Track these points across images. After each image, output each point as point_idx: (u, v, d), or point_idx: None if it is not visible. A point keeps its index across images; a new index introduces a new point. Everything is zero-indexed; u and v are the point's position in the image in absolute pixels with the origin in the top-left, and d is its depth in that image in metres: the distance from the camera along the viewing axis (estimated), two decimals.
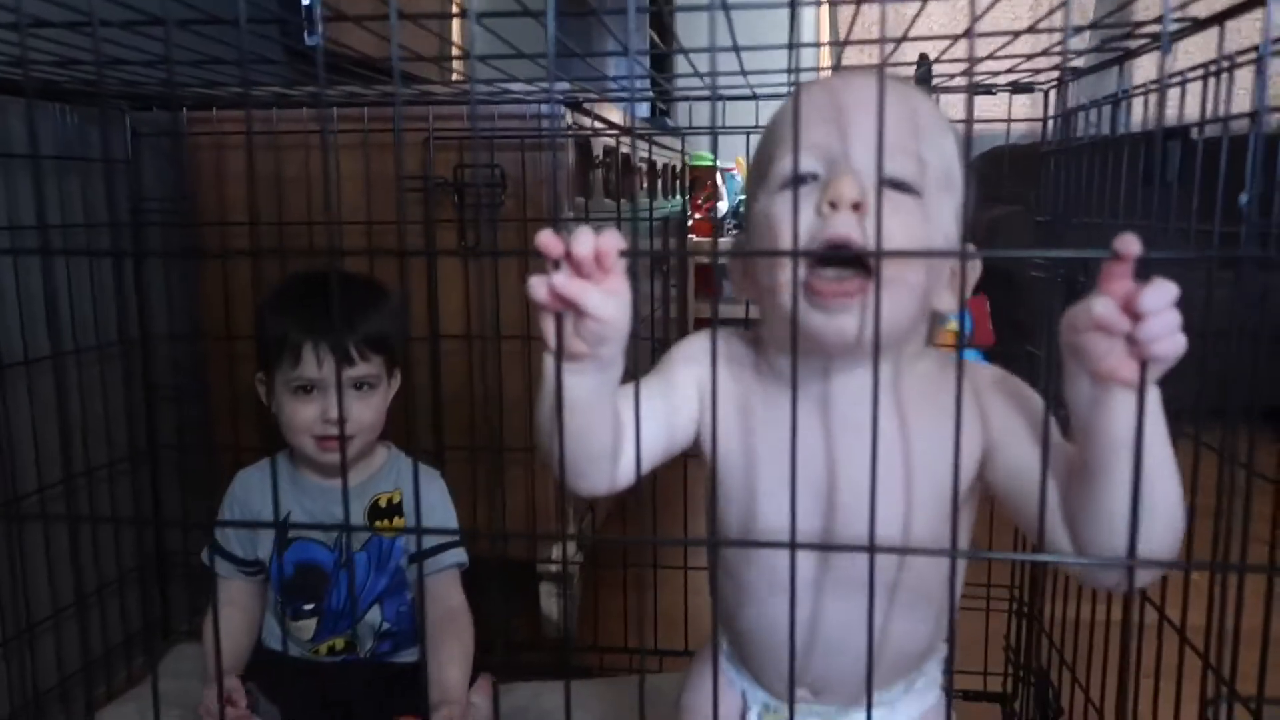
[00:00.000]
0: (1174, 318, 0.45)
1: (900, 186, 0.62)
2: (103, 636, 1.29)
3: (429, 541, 1.16)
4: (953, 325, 0.74)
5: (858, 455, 0.57)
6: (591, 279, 0.52)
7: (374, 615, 1.18)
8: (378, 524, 1.18)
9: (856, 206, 0.59)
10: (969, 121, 0.50)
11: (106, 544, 1.31)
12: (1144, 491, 0.48)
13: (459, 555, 1.19)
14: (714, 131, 0.57)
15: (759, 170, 0.69)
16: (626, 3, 0.53)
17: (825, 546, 0.63)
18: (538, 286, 0.52)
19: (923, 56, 1.35)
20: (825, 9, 3.43)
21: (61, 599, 1.20)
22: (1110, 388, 0.49)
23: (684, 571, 1.40)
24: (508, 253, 1.17)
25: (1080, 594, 1.01)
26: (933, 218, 0.63)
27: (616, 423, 0.62)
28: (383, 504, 1.18)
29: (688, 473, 1.31)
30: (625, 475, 0.65)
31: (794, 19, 0.50)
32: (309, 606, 1.16)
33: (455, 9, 1.39)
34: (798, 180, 0.61)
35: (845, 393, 0.65)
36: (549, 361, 0.55)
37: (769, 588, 0.70)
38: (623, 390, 0.61)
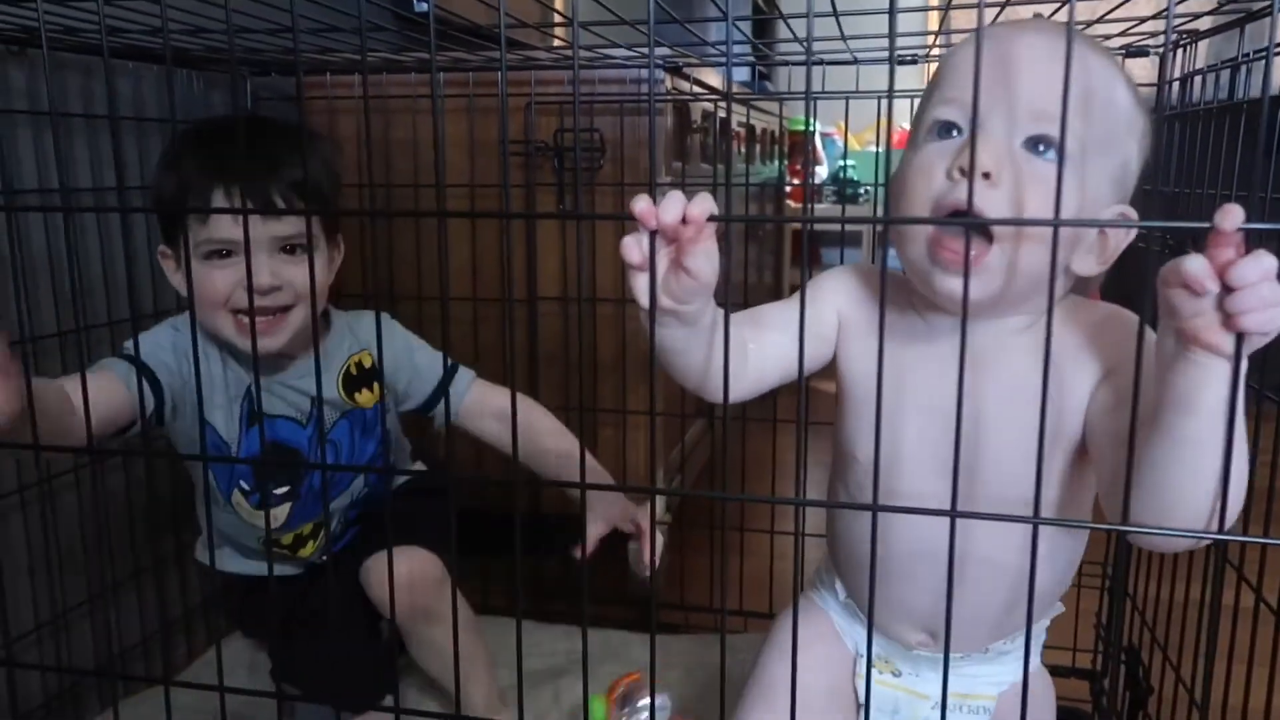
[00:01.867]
0: (1271, 291, 0.44)
1: (1047, 148, 0.60)
2: (182, 597, 1.35)
3: (434, 378, 1.07)
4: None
5: (990, 395, 0.64)
6: (682, 241, 0.54)
7: (357, 483, 1.08)
8: (356, 395, 1.05)
9: (987, 175, 0.59)
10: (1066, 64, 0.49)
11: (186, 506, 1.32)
12: (1195, 456, 0.49)
13: (465, 371, 1.09)
14: (809, 97, 0.57)
15: (918, 114, 0.69)
16: None
17: (902, 509, 0.63)
18: (630, 247, 0.54)
19: (1036, 16, 1.31)
20: None
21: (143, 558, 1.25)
22: (1191, 349, 0.48)
23: (770, 536, 1.42)
24: (604, 215, 1.19)
25: (1174, 573, 0.99)
26: (1080, 183, 0.62)
27: (708, 359, 0.64)
28: (354, 371, 1.06)
29: (776, 439, 1.33)
30: (749, 390, 0.70)
31: None
32: (282, 490, 1.04)
33: None
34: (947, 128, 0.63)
35: (981, 339, 0.65)
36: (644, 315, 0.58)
37: (905, 520, 0.67)
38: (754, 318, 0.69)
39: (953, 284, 0.61)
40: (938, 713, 0.74)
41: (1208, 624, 0.63)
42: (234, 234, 0.89)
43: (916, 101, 0.69)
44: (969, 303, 0.56)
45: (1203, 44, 1.05)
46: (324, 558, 1.09)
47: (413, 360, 1.08)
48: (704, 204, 0.52)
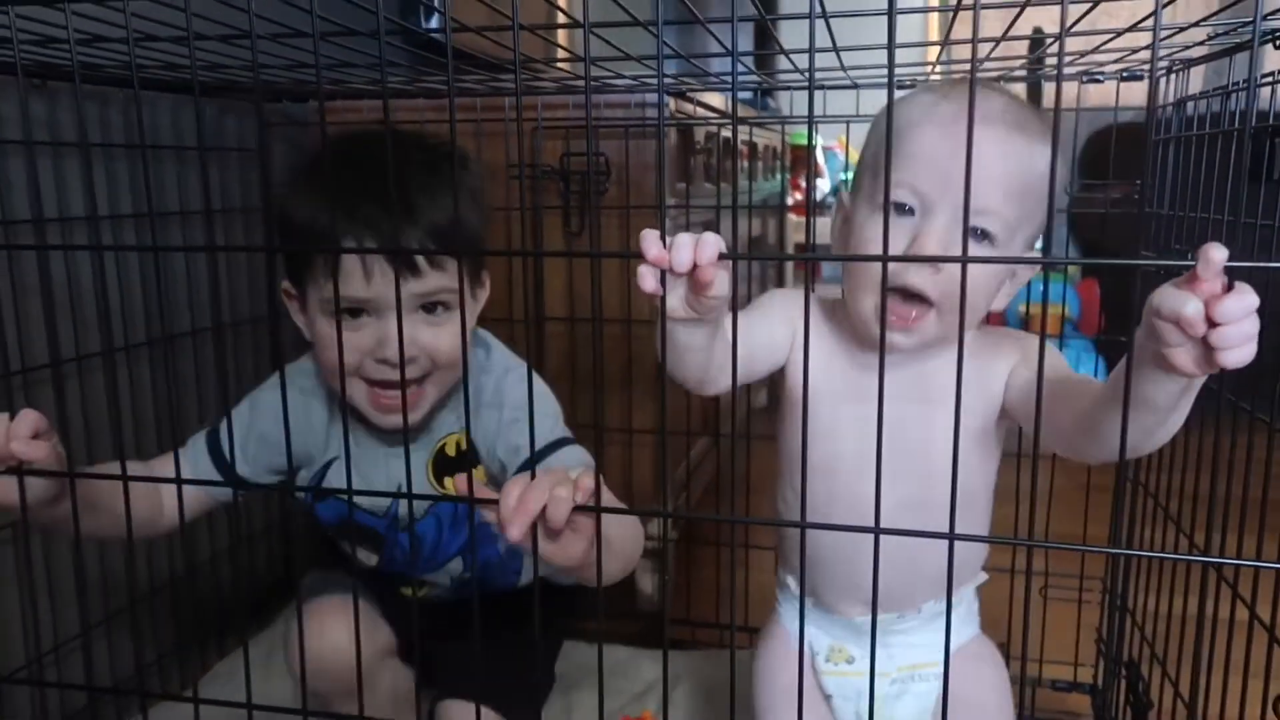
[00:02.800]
0: (1248, 327, 0.46)
1: (984, 236, 0.72)
2: (252, 583, 1.39)
3: (538, 446, 0.85)
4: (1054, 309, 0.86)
5: (920, 396, 0.76)
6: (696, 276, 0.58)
7: (455, 565, 0.98)
8: (447, 481, 0.91)
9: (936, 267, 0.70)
10: (1055, 110, 0.52)
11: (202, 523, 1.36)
12: (1148, 424, 0.58)
13: (578, 453, 0.87)
14: (812, 120, 0.60)
15: (864, 166, 0.78)
16: (730, 9, 0.57)
17: (831, 525, 0.66)
18: (645, 277, 0.57)
19: (1036, 30, 1.34)
20: None
21: (184, 561, 1.30)
22: (1167, 369, 0.52)
23: (775, 552, 1.43)
24: (619, 254, 1.20)
25: (1172, 588, 1.01)
26: (1007, 253, 0.73)
27: (708, 360, 0.71)
28: (450, 452, 0.91)
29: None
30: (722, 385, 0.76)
31: (892, 23, 0.52)
32: (369, 557, 0.98)
33: (561, 17, 1.43)
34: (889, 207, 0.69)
35: (914, 360, 0.78)
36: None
37: (846, 513, 0.76)
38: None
39: (894, 334, 0.73)
40: (895, 687, 0.85)
41: (1196, 639, 0.65)
42: (365, 293, 0.78)
43: None
44: (906, 349, 0.75)
45: (1196, 70, 1.07)
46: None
47: (521, 429, 0.87)
48: (711, 248, 0.55)
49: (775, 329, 0.81)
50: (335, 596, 0.92)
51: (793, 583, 0.91)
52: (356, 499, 0.90)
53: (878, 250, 0.68)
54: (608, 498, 0.81)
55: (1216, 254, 0.46)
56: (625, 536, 0.79)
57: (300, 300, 0.85)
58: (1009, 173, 0.70)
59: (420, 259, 0.78)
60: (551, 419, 0.90)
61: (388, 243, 0.76)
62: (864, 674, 0.84)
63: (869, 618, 0.80)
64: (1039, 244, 0.78)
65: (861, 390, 0.78)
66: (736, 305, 0.65)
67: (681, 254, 0.55)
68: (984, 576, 0.90)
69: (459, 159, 0.88)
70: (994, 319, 0.86)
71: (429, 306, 0.81)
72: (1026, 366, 0.76)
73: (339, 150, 0.82)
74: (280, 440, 0.81)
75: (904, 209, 0.72)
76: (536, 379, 0.92)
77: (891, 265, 0.69)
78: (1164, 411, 0.58)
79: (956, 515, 0.55)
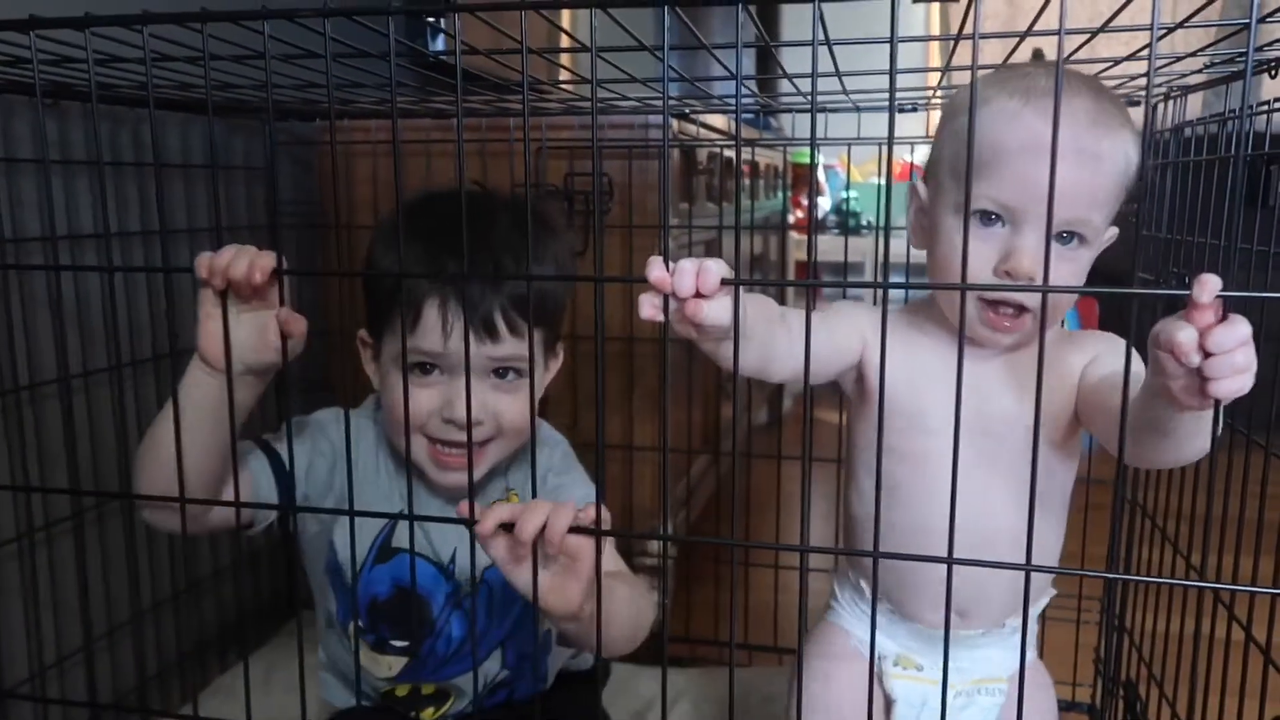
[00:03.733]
0: (1242, 358, 0.47)
1: (1080, 241, 0.72)
2: (254, 599, 1.39)
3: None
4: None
5: (1008, 391, 0.77)
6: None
7: (491, 664, 0.92)
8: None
9: (1031, 277, 0.70)
10: (1054, 135, 0.53)
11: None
12: (1178, 448, 0.61)
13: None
14: (815, 143, 0.61)
15: (942, 161, 0.76)
16: (734, 35, 0.58)
17: (907, 556, 0.67)
18: (645, 305, 0.57)
19: (1036, 52, 1.35)
20: (935, 10, 3.39)
21: (186, 578, 1.30)
22: (1172, 402, 0.53)
23: (775, 570, 1.44)
24: (625, 279, 1.20)
25: (1170, 608, 1.02)
26: (1094, 253, 0.74)
27: (770, 352, 0.69)
28: None
29: (781, 474, 1.35)
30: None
31: (894, 51, 0.53)
32: (400, 644, 0.90)
33: (565, 41, 1.45)
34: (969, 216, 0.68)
35: (980, 360, 0.78)
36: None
37: (936, 500, 0.74)
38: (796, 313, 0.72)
39: (992, 336, 0.75)
40: (960, 700, 0.83)
41: (1193, 659, 0.65)
42: (440, 349, 0.78)
43: (916, 147, 0.75)
44: (1000, 348, 0.77)
45: (1195, 96, 1.08)
46: None
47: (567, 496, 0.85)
48: (713, 276, 0.56)
49: (847, 333, 0.79)
50: None
51: (866, 586, 0.87)
52: (426, 560, 0.88)
53: (970, 260, 0.70)
54: (614, 557, 0.83)
55: (1211, 283, 0.47)
56: (629, 600, 0.77)
57: (375, 350, 0.85)
58: (1096, 177, 0.70)
59: (500, 324, 0.78)
60: (586, 489, 0.91)
61: (472, 306, 0.77)
62: (935, 682, 0.82)
63: (954, 633, 0.80)
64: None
65: (949, 382, 0.78)
66: (738, 329, 0.63)
67: (684, 280, 0.55)
68: (1052, 592, 0.89)
69: (550, 226, 0.88)
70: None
71: (501, 371, 0.81)
72: (1101, 363, 0.76)
73: (429, 208, 0.82)
74: (332, 482, 0.83)
75: (990, 218, 0.71)
76: (573, 456, 0.94)
77: (989, 268, 0.71)
78: (1183, 438, 0.59)
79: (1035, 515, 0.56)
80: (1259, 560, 0.81)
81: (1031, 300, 0.72)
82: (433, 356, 0.79)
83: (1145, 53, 0.73)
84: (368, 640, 0.89)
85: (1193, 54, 0.78)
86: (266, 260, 0.64)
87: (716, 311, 0.58)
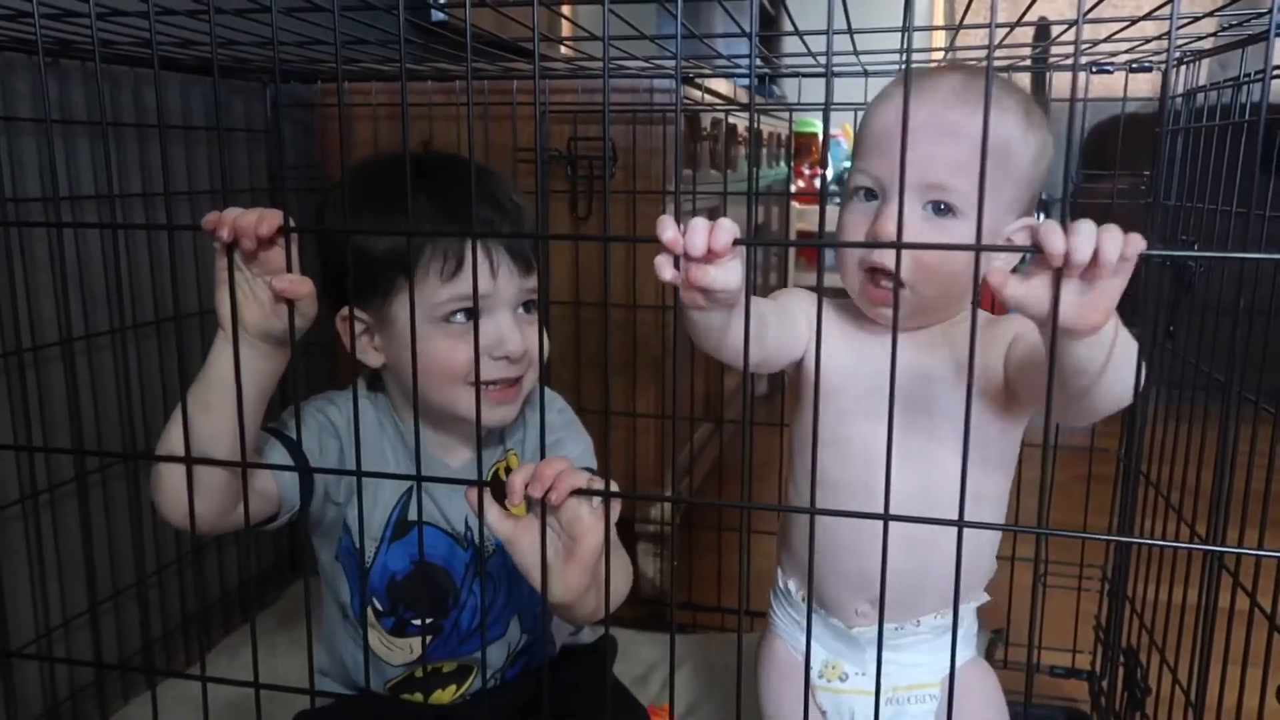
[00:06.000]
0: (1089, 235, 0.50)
1: (945, 211, 0.73)
2: (257, 562, 1.40)
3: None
4: None
5: (935, 368, 0.78)
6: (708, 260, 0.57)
7: (513, 631, 0.93)
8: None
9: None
10: (1067, 100, 0.52)
11: None
12: (1098, 383, 0.61)
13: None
14: (826, 108, 0.60)
15: (853, 160, 0.79)
16: None
17: (838, 511, 0.66)
18: (663, 267, 0.57)
19: (1042, 19, 1.33)
20: None
21: (191, 540, 1.30)
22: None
23: (777, 537, 1.44)
24: (637, 238, 1.20)
25: (1172, 577, 1.02)
26: (982, 231, 0.71)
27: (722, 339, 0.71)
28: (504, 475, 0.84)
29: (783, 441, 1.35)
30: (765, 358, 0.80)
31: (909, 10, 0.53)
32: (421, 623, 0.89)
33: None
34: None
35: (913, 340, 0.80)
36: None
37: (854, 490, 0.79)
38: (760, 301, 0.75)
39: (874, 309, 0.79)
40: (891, 708, 0.83)
41: (1203, 629, 0.65)
42: (488, 289, 0.79)
43: None
44: (886, 319, 0.75)
45: (1206, 61, 1.07)
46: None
47: (565, 449, 0.88)
48: (725, 233, 0.55)
49: (794, 322, 0.81)
50: None
51: (794, 586, 0.90)
52: (441, 531, 0.88)
53: (848, 234, 0.78)
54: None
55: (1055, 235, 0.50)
56: (622, 570, 0.78)
57: (369, 325, 0.83)
58: (956, 151, 0.72)
59: (530, 256, 0.82)
60: (583, 445, 0.92)
61: (505, 244, 0.80)
62: (857, 692, 0.85)
63: (866, 628, 0.82)
64: (1041, 215, 0.78)
65: (874, 374, 0.79)
66: (750, 290, 0.64)
67: (696, 238, 0.55)
68: (985, 597, 0.88)
69: (489, 174, 0.88)
70: (998, 309, 0.87)
71: (527, 305, 0.84)
72: (1021, 340, 0.76)
73: (391, 171, 0.79)
74: (343, 464, 0.82)
75: (869, 194, 0.76)
76: (571, 412, 0.95)
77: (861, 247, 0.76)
78: (1098, 374, 0.59)
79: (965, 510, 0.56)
80: (1265, 530, 0.81)
81: (905, 271, 0.73)
82: (482, 297, 0.79)
83: (1159, 13, 0.72)
84: (385, 625, 0.88)
85: (1210, 14, 0.77)
86: (274, 216, 0.63)
87: (726, 275, 0.58)
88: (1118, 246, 0.49)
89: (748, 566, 0.62)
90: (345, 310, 0.82)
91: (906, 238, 0.72)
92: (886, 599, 0.63)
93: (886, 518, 0.58)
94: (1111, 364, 0.59)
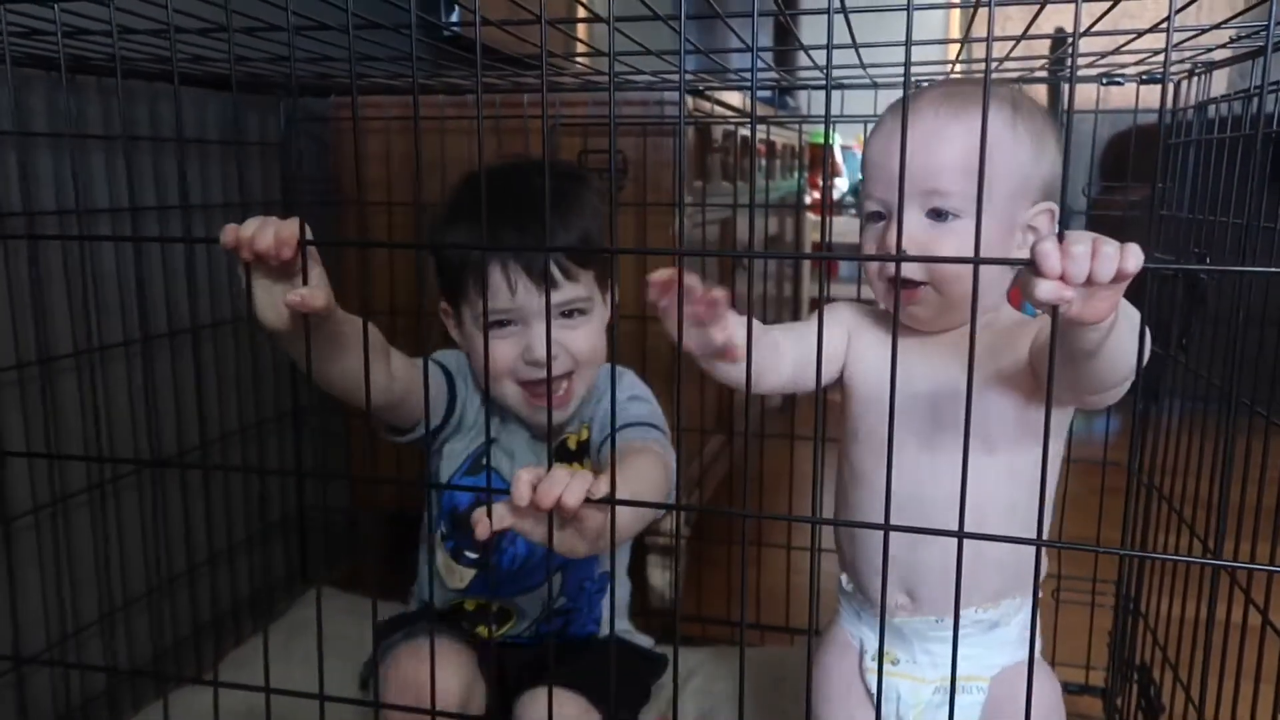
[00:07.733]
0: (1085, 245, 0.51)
1: (944, 216, 0.76)
2: (262, 576, 1.40)
3: (621, 421, 0.95)
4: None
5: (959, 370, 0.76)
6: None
7: (554, 586, 1.03)
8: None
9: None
10: (1072, 111, 0.52)
11: (238, 499, 1.42)
12: (1102, 364, 0.63)
13: (655, 435, 0.95)
14: (829, 120, 0.61)
15: (861, 189, 0.84)
16: (750, 5, 0.57)
17: (913, 529, 0.66)
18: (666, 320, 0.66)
19: (1058, 30, 1.33)
20: None
21: (204, 551, 1.32)
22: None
23: (787, 551, 1.44)
24: (645, 251, 1.24)
25: (1185, 591, 1.01)
26: (990, 229, 0.75)
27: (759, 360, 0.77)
28: (571, 445, 1.02)
29: (794, 454, 1.35)
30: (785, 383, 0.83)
31: (910, 22, 0.53)
32: (473, 555, 1.01)
33: (581, 11, 1.44)
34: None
35: (941, 343, 0.82)
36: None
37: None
38: (783, 328, 0.82)
39: (908, 311, 0.80)
40: (938, 696, 0.83)
41: (1207, 642, 0.65)
42: (510, 305, 0.91)
43: None
44: (917, 325, 0.81)
45: (1219, 72, 1.07)
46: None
47: (626, 416, 0.97)
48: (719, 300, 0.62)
49: (830, 339, 0.83)
50: (441, 639, 0.93)
51: (845, 579, 0.90)
52: (504, 479, 0.99)
53: (870, 252, 0.83)
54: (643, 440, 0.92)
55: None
56: (654, 482, 0.85)
57: (456, 318, 0.98)
58: (948, 152, 0.74)
59: (556, 272, 0.92)
60: (649, 407, 1.01)
61: (527, 260, 0.91)
62: (906, 677, 0.84)
63: (907, 619, 0.83)
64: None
65: (905, 380, 0.80)
66: (751, 315, 0.66)
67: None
68: (1027, 603, 0.85)
69: (581, 178, 1.00)
70: (1015, 299, 0.88)
71: (567, 313, 0.95)
72: (1041, 334, 0.77)
73: (475, 185, 0.94)
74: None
75: (878, 216, 0.80)
76: (641, 385, 1.04)
77: (879, 264, 0.80)
78: (1101, 352, 0.61)
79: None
80: (1276, 544, 0.81)
81: (922, 274, 0.77)
82: (505, 312, 0.92)
83: (1166, 25, 0.72)
84: (447, 547, 1.02)
85: (1216, 26, 0.77)
86: (290, 231, 0.65)
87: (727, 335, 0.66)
88: (1112, 267, 0.50)
89: (758, 579, 0.62)
90: (444, 303, 0.99)
91: (914, 248, 0.76)
92: (927, 594, 0.73)
93: (887, 528, 0.59)
94: (1114, 338, 0.60)
